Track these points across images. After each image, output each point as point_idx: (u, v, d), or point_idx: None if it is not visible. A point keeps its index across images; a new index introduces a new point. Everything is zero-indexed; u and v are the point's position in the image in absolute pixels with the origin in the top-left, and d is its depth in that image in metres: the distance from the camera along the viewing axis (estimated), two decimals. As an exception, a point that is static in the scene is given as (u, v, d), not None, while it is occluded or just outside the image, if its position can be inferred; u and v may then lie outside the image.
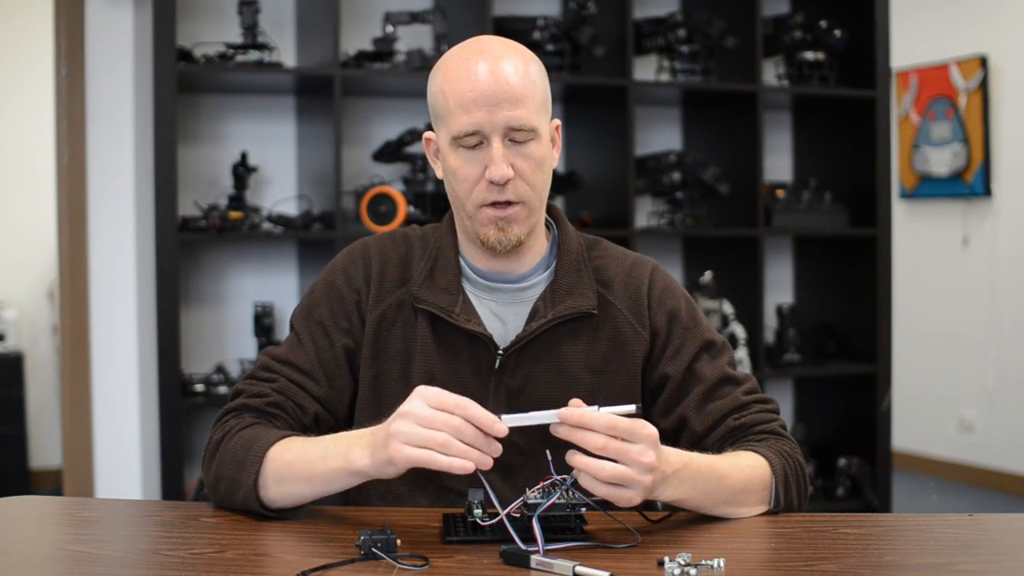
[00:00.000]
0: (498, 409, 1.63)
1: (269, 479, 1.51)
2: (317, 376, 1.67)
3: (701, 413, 1.65)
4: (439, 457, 1.35)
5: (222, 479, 1.56)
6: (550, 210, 1.75)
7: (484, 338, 1.64)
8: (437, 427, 1.35)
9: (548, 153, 1.63)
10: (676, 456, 1.45)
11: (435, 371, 1.64)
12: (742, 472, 1.53)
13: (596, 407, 1.37)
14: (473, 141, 1.59)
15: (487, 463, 1.35)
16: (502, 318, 1.68)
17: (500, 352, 1.64)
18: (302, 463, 1.49)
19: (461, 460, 1.34)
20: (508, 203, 1.60)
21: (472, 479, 1.39)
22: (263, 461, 1.51)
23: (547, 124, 1.63)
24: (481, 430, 1.36)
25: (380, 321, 1.67)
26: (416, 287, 1.67)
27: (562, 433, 1.37)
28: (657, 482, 1.41)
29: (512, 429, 1.62)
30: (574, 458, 1.36)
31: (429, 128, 1.70)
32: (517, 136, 1.58)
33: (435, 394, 1.38)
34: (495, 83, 1.56)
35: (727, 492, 1.51)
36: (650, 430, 1.38)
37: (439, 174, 1.68)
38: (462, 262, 1.70)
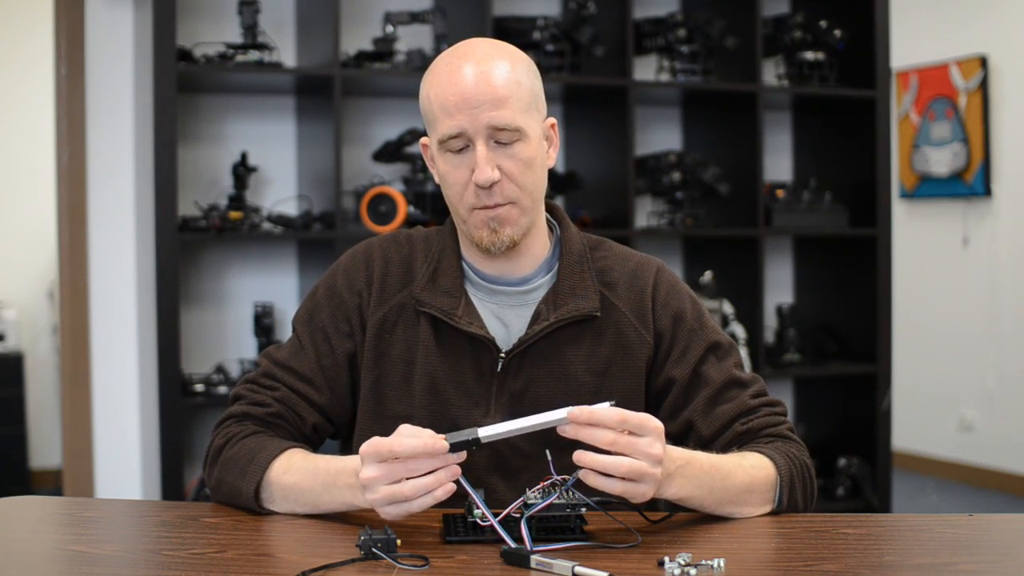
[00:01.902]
0: (500, 412, 1.63)
1: (275, 497, 1.54)
2: (318, 383, 1.67)
3: (708, 417, 1.65)
4: (419, 501, 1.38)
5: (224, 483, 1.59)
6: (553, 211, 1.75)
7: (486, 341, 1.63)
8: (397, 477, 1.37)
9: (539, 153, 1.62)
10: (679, 453, 1.46)
11: (437, 374, 1.64)
12: (746, 472, 1.52)
13: (568, 408, 1.37)
14: (458, 145, 1.59)
15: (455, 472, 1.37)
16: (504, 321, 1.67)
17: (502, 355, 1.64)
18: (307, 492, 1.52)
19: (440, 490, 1.37)
20: (498, 204, 1.60)
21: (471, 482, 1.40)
22: (265, 473, 1.54)
23: (537, 123, 1.63)
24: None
25: (382, 324, 1.67)
26: (418, 290, 1.67)
27: (570, 432, 1.37)
28: (663, 478, 1.41)
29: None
30: (584, 457, 1.36)
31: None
32: (501, 137, 1.58)
33: (372, 449, 1.39)
34: (476, 86, 1.56)
35: (731, 491, 1.51)
36: (656, 423, 1.39)
37: (437, 179, 1.68)
38: (464, 265, 1.70)
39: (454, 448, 1.36)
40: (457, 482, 1.38)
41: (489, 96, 1.56)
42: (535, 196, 1.64)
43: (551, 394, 1.64)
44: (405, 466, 1.37)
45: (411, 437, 1.37)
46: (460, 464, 1.38)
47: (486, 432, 1.37)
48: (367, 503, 1.44)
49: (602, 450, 1.37)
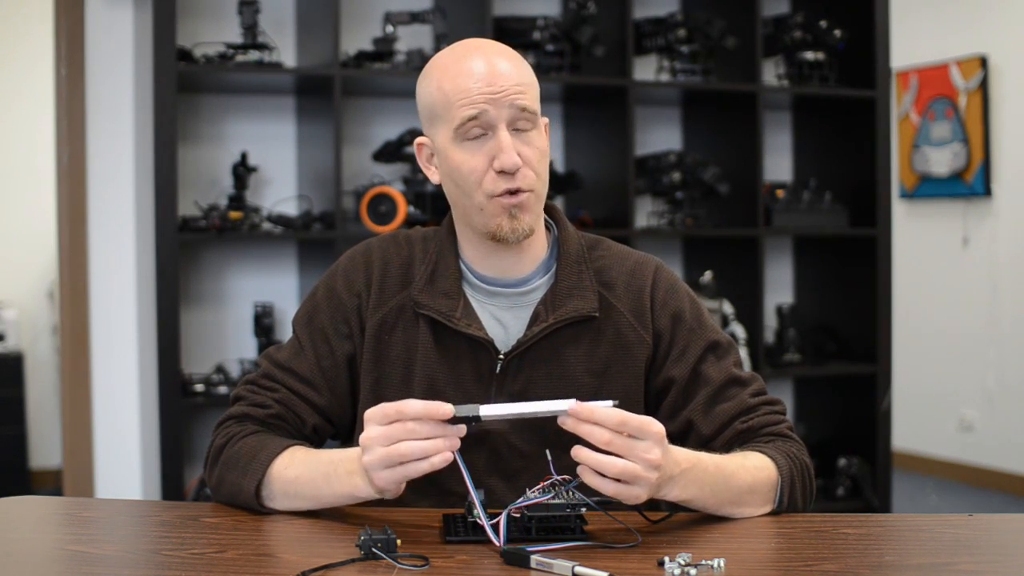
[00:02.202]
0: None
1: (276, 493, 1.54)
2: (318, 384, 1.67)
3: (708, 416, 1.64)
4: (415, 465, 1.38)
5: (224, 483, 1.59)
6: (550, 211, 1.74)
7: (485, 343, 1.63)
8: (396, 439, 1.38)
9: (547, 145, 1.64)
10: (684, 456, 1.46)
11: (436, 376, 1.64)
12: (749, 473, 1.52)
13: (572, 400, 1.37)
14: (477, 131, 1.58)
15: (455, 443, 1.38)
16: (503, 322, 1.67)
17: (501, 357, 1.64)
18: (307, 484, 1.52)
19: (437, 457, 1.37)
20: (519, 190, 1.59)
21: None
22: (267, 471, 1.54)
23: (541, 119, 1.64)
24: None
25: (381, 326, 1.67)
26: (416, 292, 1.66)
27: (569, 426, 1.37)
28: (664, 481, 1.41)
29: (513, 433, 1.62)
30: (580, 453, 1.36)
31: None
32: (521, 123, 1.58)
33: (378, 411, 1.40)
34: (498, 74, 1.58)
35: (734, 492, 1.51)
36: (657, 427, 1.38)
37: (434, 179, 1.67)
38: (462, 266, 1.69)
39: (456, 420, 1.37)
40: (457, 478, 1.39)
41: (511, 81, 1.58)
42: (546, 187, 1.65)
43: (550, 395, 1.63)
44: (405, 427, 1.37)
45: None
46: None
47: (487, 411, 1.38)
48: (366, 486, 1.44)
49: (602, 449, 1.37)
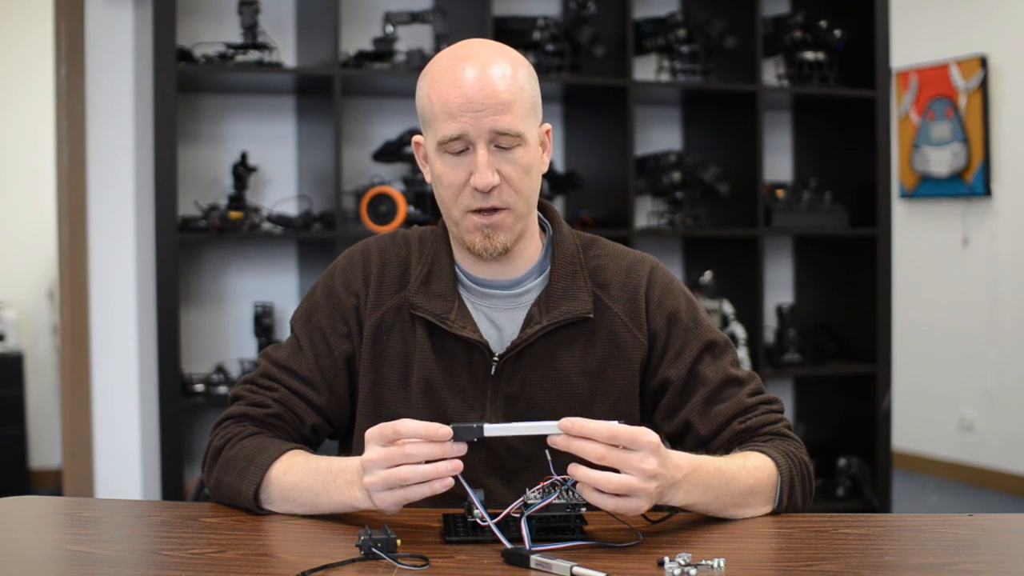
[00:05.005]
0: (495, 414, 1.63)
1: (274, 498, 1.54)
2: (316, 384, 1.67)
3: (706, 417, 1.64)
4: (416, 489, 1.38)
5: (223, 484, 1.59)
6: (546, 210, 1.74)
7: (479, 345, 1.63)
8: (396, 462, 1.37)
9: (536, 159, 1.61)
10: (686, 461, 1.45)
11: (433, 377, 1.64)
12: (750, 474, 1.52)
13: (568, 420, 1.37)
14: (458, 147, 1.57)
15: (457, 467, 1.37)
16: (497, 324, 1.67)
17: (496, 359, 1.64)
18: (306, 491, 1.52)
19: (438, 482, 1.37)
20: (494, 209, 1.59)
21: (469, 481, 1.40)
22: (265, 475, 1.54)
23: (536, 129, 1.61)
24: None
25: (379, 326, 1.67)
26: (412, 293, 1.66)
27: (560, 443, 1.36)
28: (665, 488, 1.40)
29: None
30: (576, 471, 1.36)
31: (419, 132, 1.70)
32: (503, 142, 1.56)
33: (376, 431, 1.40)
34: (480, 89, 1.55)
35: (735, 494, 1.50)
36: (651, 437, 1.37)
37: (428, 178, 1.67)
38: (456, 268, 1.69)
39: (457, 436, 1.36)
40: (456, 481, 1.38)
41: (493, 100, 1.55)
42: (530, 202, 1.63)
43: (545, 396, 1.64)
44: (404, 450, 1.37)
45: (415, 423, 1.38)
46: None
47: (491, 428, 1.37)
48: (365, 499, 1.44)
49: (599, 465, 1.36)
